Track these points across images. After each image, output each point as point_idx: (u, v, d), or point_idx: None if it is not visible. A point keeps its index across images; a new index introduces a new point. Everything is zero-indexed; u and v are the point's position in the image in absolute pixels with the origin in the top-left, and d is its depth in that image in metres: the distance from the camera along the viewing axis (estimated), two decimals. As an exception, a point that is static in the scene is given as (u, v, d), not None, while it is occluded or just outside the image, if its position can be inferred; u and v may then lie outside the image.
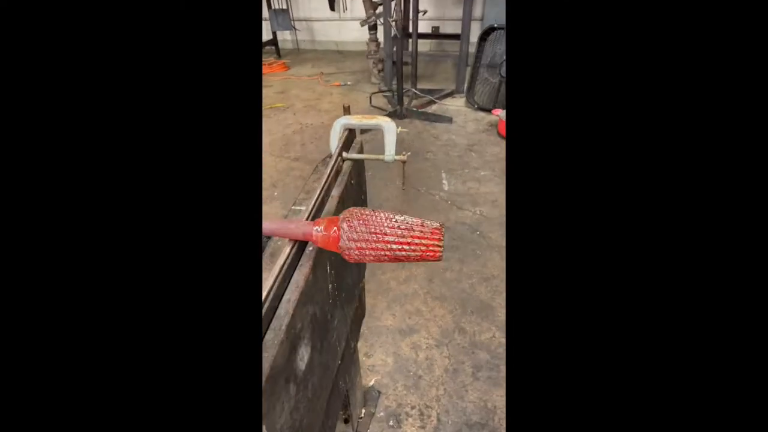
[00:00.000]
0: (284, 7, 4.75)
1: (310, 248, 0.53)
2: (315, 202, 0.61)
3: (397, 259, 0.50)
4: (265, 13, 4.57)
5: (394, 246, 0.50)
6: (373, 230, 0.50)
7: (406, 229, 0.50)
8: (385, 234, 0.50)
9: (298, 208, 0.63)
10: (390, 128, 0.79)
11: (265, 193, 2.20)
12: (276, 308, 0.44)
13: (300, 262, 0.51)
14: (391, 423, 1.12)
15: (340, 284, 0.65)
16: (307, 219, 0.58)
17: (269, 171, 2.43)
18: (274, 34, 4.79)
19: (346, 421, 1.06)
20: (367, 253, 0.50)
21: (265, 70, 4.32)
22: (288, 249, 0.50)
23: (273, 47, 4.84)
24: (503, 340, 1.32)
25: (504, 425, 1.09)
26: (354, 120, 0.79)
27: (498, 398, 1.16)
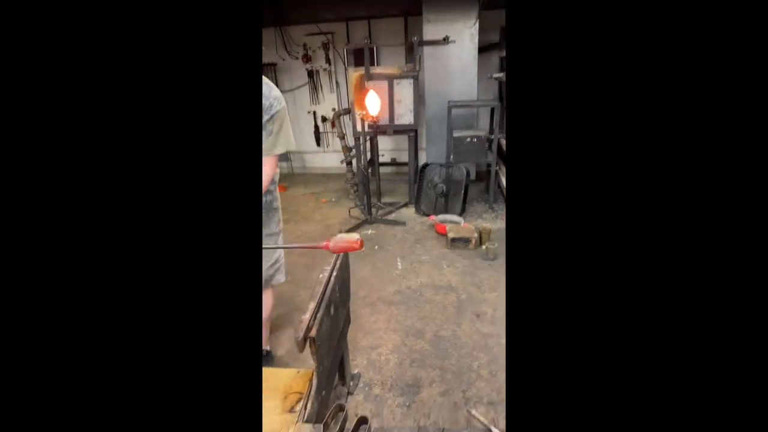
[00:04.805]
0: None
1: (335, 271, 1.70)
2: (332, 267, 1.78)
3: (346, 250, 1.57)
4: (268, 149, 6.16)
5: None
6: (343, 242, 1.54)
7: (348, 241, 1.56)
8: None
9: (327, 268, 1.78)
10: (355, 235, 2.00)
11: (281, 279, 3.32)
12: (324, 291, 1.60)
13: (332, 275, 1.67)
14: (366, 388, 2.13)
15: (341, 294, 1.79)
16: (331, 271, 1.74)
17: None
18: (275, 163, 6.35)
19: (343, 384, 2.07)
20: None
21: (268, 190, 5.70)
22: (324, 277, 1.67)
23: (273, 173, 6.35)
24: (428, 348, 2.39)
25: (424, 384, 2.12)
26: (342, 235, 2.01)
27: (422, 373, 2.21)
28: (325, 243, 1.54)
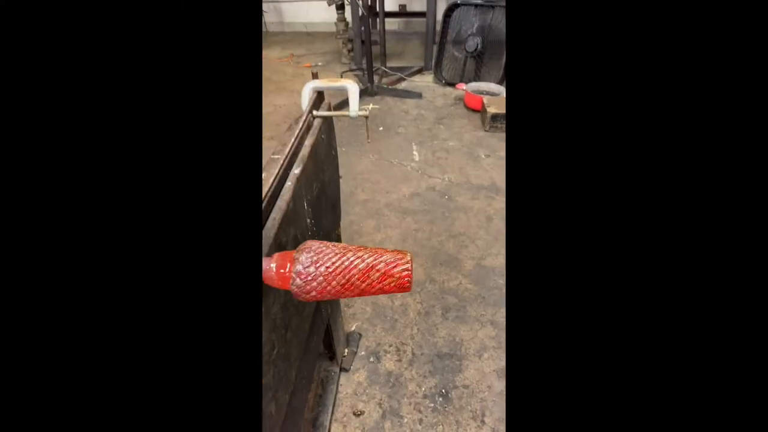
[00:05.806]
0: (250, -12, 4.69)
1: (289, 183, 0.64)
2: (289, 151, 0.72)
3: (363, 293, 0.45)
4: (231, -5, 4.50)
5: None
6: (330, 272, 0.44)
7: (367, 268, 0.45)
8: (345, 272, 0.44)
9: (276, 156, 0.74)
10: (353, 89, 0.89)
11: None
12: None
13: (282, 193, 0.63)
14: (371, 359, 1.27)
15: (317, 221, 0.77)
16: (283, 165, 0.69)
17: (246, 151, 2.50)
18: (242, 16, 4.73)
19: (331, 359, 1.20)
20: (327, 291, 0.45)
21: (234, 53, 4.28)
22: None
23: (241, 30, 4.79)
24: (469, 286, 1.48)
25: (469, 353, 1.26)
26: (322, 83, 0.89)
27: (464, 333, 1.33)
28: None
